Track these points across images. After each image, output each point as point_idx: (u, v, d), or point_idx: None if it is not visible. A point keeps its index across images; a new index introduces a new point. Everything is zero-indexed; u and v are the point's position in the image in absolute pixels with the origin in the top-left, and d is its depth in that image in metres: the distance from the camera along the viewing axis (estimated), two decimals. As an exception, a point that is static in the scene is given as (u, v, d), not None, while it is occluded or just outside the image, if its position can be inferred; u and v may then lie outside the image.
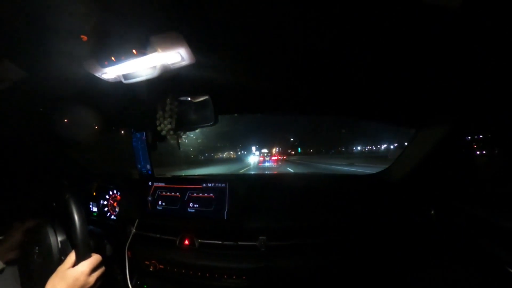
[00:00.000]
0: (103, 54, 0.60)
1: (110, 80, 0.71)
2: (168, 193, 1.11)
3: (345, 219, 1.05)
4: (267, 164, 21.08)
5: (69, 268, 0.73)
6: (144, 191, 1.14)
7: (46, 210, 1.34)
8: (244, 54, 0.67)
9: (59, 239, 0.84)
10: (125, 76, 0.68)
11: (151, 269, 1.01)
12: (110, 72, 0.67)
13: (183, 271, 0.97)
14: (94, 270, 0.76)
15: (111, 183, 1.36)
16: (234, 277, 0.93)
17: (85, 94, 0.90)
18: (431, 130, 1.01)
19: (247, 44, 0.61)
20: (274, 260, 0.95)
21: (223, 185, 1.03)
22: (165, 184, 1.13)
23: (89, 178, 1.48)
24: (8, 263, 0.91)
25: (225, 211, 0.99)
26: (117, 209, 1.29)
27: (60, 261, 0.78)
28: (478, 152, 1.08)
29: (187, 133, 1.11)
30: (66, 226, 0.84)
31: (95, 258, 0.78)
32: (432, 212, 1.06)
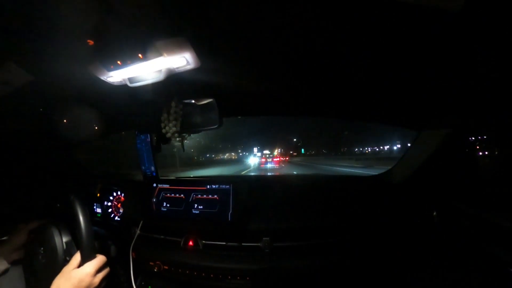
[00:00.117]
0: (109, 58, 0.60)
1: (115, 84, 0.72)
2: (173, 195, 1.12)
3: (348, 220, 1.05)
4: (269, 165, 21.12)
5: (74, 269, 0.74)
6: (148, 192, 1.15)
7: (51, 211, 1.35)
8: (248, 58, 0.67)
9: (64, 240, 0.84)
10: (131, 80, 0.68)
11: (155, 270, 1.02)
12: (116, 76, 0.67)
13: (187, 272, 0.98)
14: (98, 271, 0.77)
15: (115, 185, 1.37)
16: (238, 278, 0.94)
17: (90, 97, 0.91)
18: (434, 131, 1.01)
19: (251, 47, 0.62)
20: (277, 261, 0.96)
21: (227, 186, 1.04)
22: (170, 186, 1.14)
23: (93, 179, 1.49)
24: (13, 263, 0.92)
25: (229, 213, 1.00)
26: (121, 211, 1.30)
27: (65, 262, 0.79)
28: (480, 153, 1.08)
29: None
30: (71, 227, 0.85)
31: (99, 259, 0.79)
32: (435, 213, 1.06)
